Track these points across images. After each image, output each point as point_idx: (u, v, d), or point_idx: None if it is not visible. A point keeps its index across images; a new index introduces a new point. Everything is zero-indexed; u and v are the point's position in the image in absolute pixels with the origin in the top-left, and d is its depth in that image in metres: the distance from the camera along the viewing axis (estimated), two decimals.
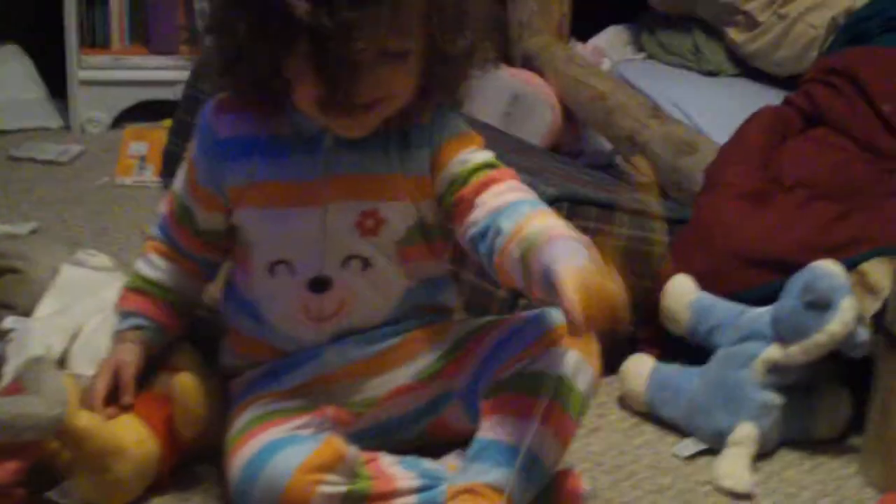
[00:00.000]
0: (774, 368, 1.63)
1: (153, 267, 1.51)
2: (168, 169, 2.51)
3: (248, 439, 1.38)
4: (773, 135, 1.98)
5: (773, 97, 2.23)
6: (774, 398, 1.64)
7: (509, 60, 2.89)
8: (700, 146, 2.15)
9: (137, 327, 1.50)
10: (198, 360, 1.54)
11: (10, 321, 1.59)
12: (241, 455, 1.36)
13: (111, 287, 1.66)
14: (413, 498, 1.38)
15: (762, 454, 1.64)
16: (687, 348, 1.76)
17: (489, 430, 1.39)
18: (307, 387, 1.45)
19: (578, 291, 1.21)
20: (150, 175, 2.61)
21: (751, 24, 2.64)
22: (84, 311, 1.60)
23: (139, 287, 1.52)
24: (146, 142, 2.72)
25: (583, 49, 2.94)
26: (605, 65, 2.85)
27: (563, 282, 1.22)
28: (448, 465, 1.45)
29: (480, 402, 1.43)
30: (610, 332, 1.27)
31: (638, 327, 1.82)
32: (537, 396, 1.37)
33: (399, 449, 1.46)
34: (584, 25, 2.97)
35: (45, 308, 1.63)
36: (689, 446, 1.66)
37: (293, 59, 1.30)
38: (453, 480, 1.39)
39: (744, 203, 1.83)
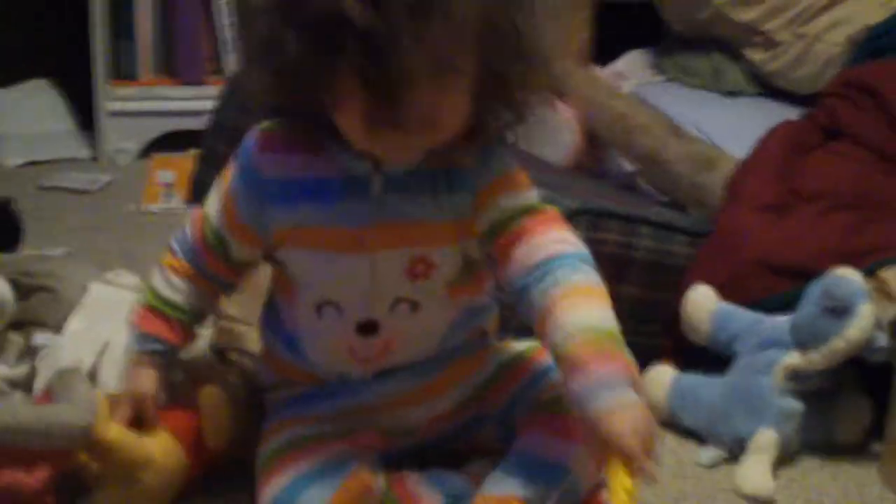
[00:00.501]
0: (795, 375, 1.65)
1: (172, 288, 1.47)
2: (196, 196, 2.54)
3: (279, 470, 1.37)
4: (793, 148, 2.00)
5: (793, 116, 2.24)
6: (795, 405, 1.65)
7: None
8: (721, 163, 2.16)
9: (154, 352, 1.48)
10: (225, 370, 1.57)
11: (40, 337, 1.62)
12: (272, 488, 1.36)
13: None
14: None
15: (783, 460, 1.66)
16: (708, 358, 1.77)
17: (527, 445, 1.39)
18: (347, 415, 1.44)
19: (631, 437, 1.20)
20: (177, 202, 2.66)
21: (770, 44, 2.66)
22: (112, 328, 1.63)
23: (156, 308, 1.48)
24: (173, 170, 2.77)
25: (603, 72, 2.97)
26: (626, 88, 2.88)
27: (610, 431, 1.21)
28: (471, 475, 1.44)
29: (518, 420, 1.43)
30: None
31: (660, 337, 1.84)
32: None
33: (424, 462, 1.46)
34: (604, 51, 3.00)
35: (74, 324, 1.66)
36: (711, 453, 1.67)
37: (342, 73, 1.20)
38: (484, 491, 1.37)
39: (764, 213, 1.85)
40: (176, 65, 3.06)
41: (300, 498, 1.33)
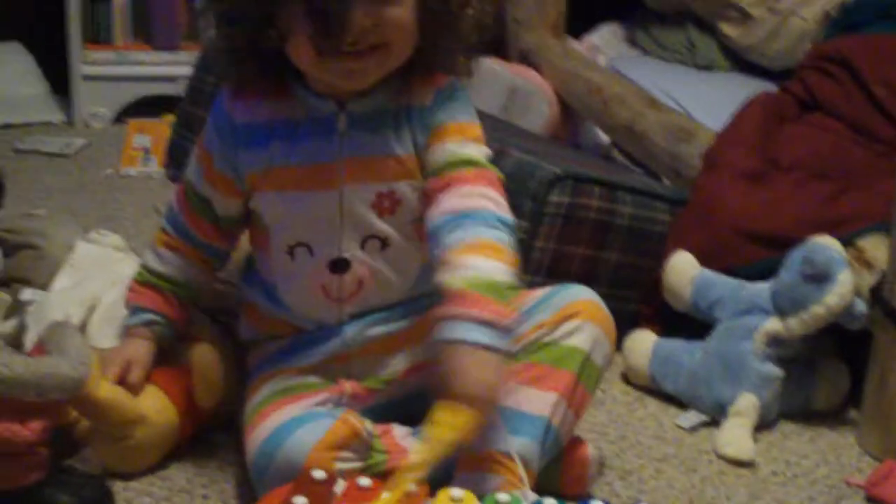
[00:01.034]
0: (774, 341, 1.67)
1: (163, 261, 1.51)
2: (173, 160, 2.55)
3: (266, 415, 1.39)
4: (770, 119, 2.02)
5: (767, 90, 2.27)
6: (775, 370, 1.68)
7: (506, 57, 2.94)
8: (697, 133, 2.18)
9: (148, 323, 1.50)
10: (216, 331, 1.57)
11: (28, 293, 1.62)
12: (259, 432, 1.37)
13: (124, 263, 1.70)
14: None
15: (763, 425, 1.69)
16: (688, 324, 1.79)
17: (507, 398, 1.38)
18: (326, 363, 1.46)
19: (472, 383, 1.23)
20: (155, 166, 2.66)
21: (744, 18, 2.69)
22: (99, 285, 1.63)
23: (149, 281, 1.51)
24: (150, 134, 2.76)
25: (578, 45, 2.98)
26: (601, 60, 2.89)
27: (455, 370, 1.23)
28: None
29: None
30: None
31: (641, 303, 1.86)
32: (560, 368, 1.40)
33: (411, 419, 1.46)
34: (579, 23, 3.01)
35: (61, 282, 1.66)
36: (692, 417, 1.70)
37: (285, 7, 1.29)
38: (469, 447, 1.36)
39: (742, 182, 1.87)
40: (151, 30, 3.05)
41: (289, 439, 1.34)
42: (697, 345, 1.75)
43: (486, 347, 1.24)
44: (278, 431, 1.36)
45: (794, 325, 1.66)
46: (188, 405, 1.50)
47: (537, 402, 1.39)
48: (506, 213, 1.37)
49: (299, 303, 1.46)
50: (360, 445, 1.37)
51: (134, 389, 1.45)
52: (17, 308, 1.64)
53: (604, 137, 2.67)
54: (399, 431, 1.43)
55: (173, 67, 2.96)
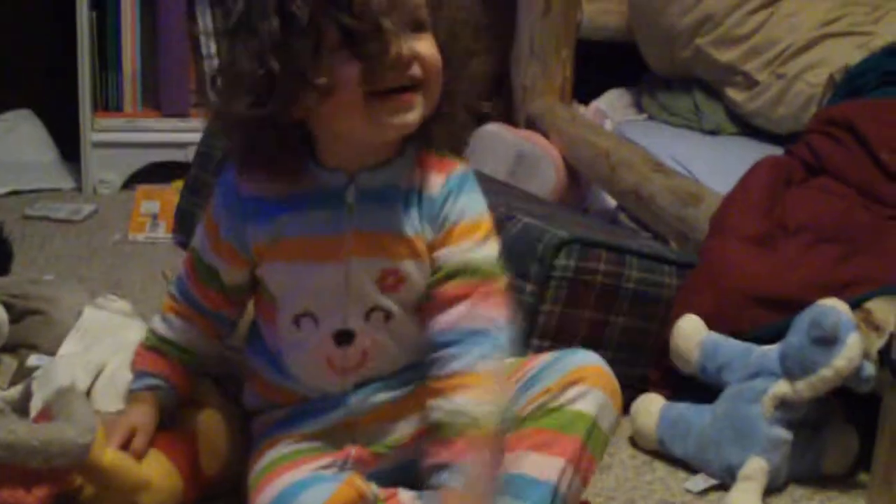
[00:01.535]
0: (783, 404, 1.67)
1: (170, 327, 1.52)
2: (180, 226, 2.56)
3: (272, 479, 1.38)
4: (776, 183, 2.03)
5: (773, 154, 2.28)
6: (784, 433, 1.67)
7: (513, 122, 2.96)
8: (704, 197, 2.19)
9: (152, 388, 1.50)
10: (222, 396, 1.57)
11: (34, 359, 1.63)
12: (264, 497, 1.37)
13: (132, 328, 1.70)
14: None
15: (772, 489, 1.67)
16: (696, 387, 1.79)
17: (516, 464, 1.39)
18: (331, 430, 1.45)
19: None
20: (162, 232, 2.67)
21: (750, 83, 2.70)
22: (106, 351, 1.64)
23: (155, 346, 1.52)
24: (158, 201, 2.78)
25: (585, 111, 3.00)
26: (607, 125, 2.91)
27: None
28: None
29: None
30: None
31: (648, 367, 1.85)
32: (567, 433, 1.40)
33: (418, 483, 1.45)
34: (585, 88, 3.04)
35: (68, 347, 1.67)
36: (700, 482, 1.69)
37: (327, 56, 1.29)
38: None
39: (749, 246, 1.87)
40: (160, 97, 3.07)
41: (296, 502, 1.34)
42: (706, 408, 1.74)
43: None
44: (283, 495, 1.35)
45: (803, 388, 1.65)
46: (192, 471, 1.49)
47: (544, 467, 1.38)
48: (502, 335, 1.38)
49: (304, 372, 1.45)
50: None
51: (138, 455, 1.45)
52: (23, 374, 1.64)
53: (611, 201, 2.68)
54: (405, 496, 1.42)
55: (183, 134, 2.98)
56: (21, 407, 1.57)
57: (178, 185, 2.70)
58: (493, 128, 2.85)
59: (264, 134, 1.34)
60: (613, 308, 1.85)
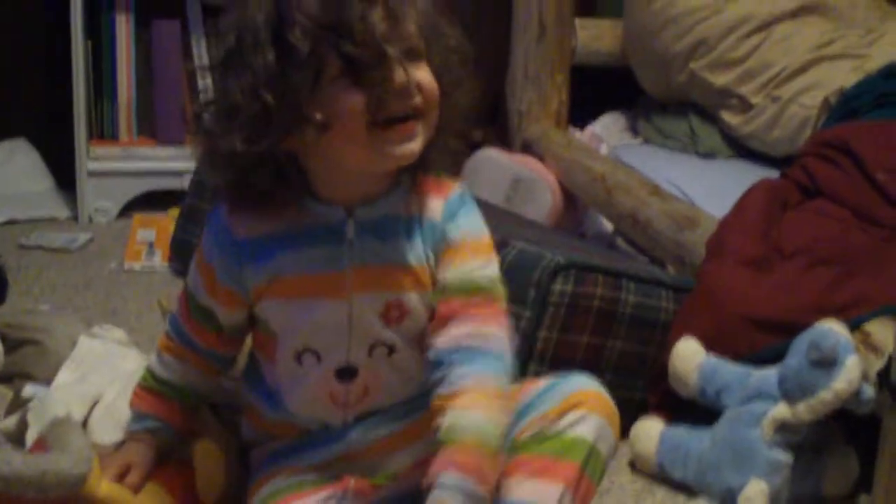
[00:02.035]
0: (783, 427, 1.66)
1: (166, 367, 1.50)
2: (176, 254, 2.55)
3: None
4: (773, 206, 2.03)
5: (769, 176, 2.27)
6: (784, 456, 1.66)
7: (509, 147, 2.96)
8: (701, 220, 2.19)
9: (150, 430, 1.49)
10: (219, 426, 1.56)
11: (30, 389, 1.62)
12: None
13: (127, 358, 1.70)
14: None
15: None
16: (695, 411, 1.78)
17: (514, 490, 1.38)
18: (330, 463, 1.44)
19: None
20: (159, 260, 2.66)
21: (745, 106, 2.71)
22: (102, 380, 1.63)
23: (152, 387, 1.50)
24: (154, 229, 2.78)
25: (581, 135, 3.01)
26: (603, 150, 2.91)
27: None
28: None
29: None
30: None
31: (647, 391, 1.85)
32: (565, 459, 1.39)
33: None
34: (581, 113, 3.04)
35: (63, 377, 1.66)
36: None
37: (327, 87, 1.27)
38: None
39: (746, 269, 1.87)
40: (156, 125, 3.07)
41: None
42: (705, 432, 1.74)
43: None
44: None
45: (802, 410, 1.65)
46: (189, 501, 1.48)
47: (542, 494, 1.37)
48: (506, 350, 1.37)
49: (304, 408, 1.44)
50: None
51: (132, 490, 1.43)
52: (18, 404, 1.63)
53: (607, 226, 2.68)
54: None
55: (178, 162, 2.97)
56: (17, 438, 1.56)
57: (175, 212, 2.70)
58: (489, 153, 2.85)
59: (258, 169, 1.32)
60: (611, 332, 1.85)
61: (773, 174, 2.30)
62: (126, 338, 1.81)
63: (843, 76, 2.52)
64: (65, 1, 2.89)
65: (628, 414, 1.78)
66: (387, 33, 1.27)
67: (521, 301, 1.77)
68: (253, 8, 1.29)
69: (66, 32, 2.91)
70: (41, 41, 3.16)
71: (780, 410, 1.66)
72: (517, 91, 3.00)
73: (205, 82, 2.98)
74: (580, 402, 1.42)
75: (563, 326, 1.80)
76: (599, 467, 1.42)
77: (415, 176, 1.40)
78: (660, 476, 1.76)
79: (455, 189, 1.42)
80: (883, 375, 1.63)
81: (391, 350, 1.40)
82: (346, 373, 1.40)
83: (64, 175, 3.07)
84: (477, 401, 1.32)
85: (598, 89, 3.04)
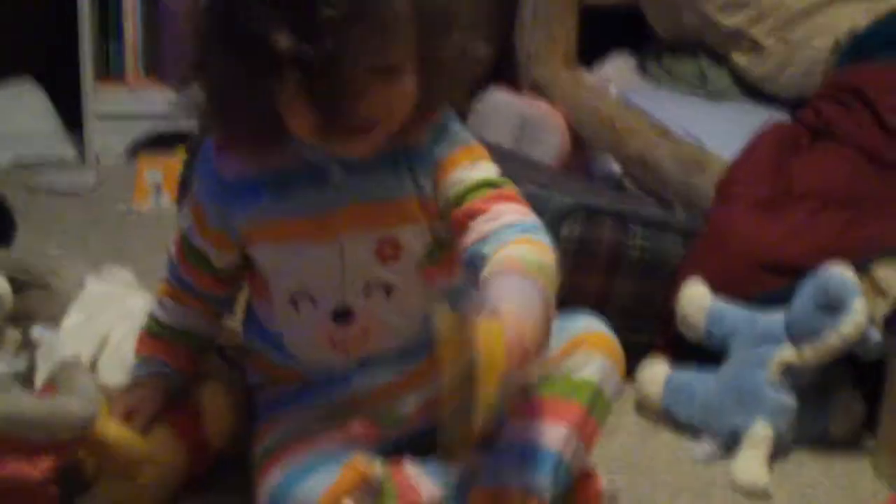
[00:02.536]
0: (789, 370, 1.66)
1: (167, 312, 1.50)
2: (184, 195, 2.54)
3: (276, 461, 1.38)
4: (783, 148, 2.02)
5: (779, 119, 2.26)
6: (789, 399, 1.66)
7: (517, 89, 2.94)
8: (710, 163, 2.18)
9: (155, 374, 1.49)
10: (226, 367, 1.57)
11: (38, 331, 1.62)
12: (269, 479, 1.37)
13: (135, 297, 1.70)
14: None
15: (777, 454, 1.67)
16: (702, 354, 1.78)
17: (517, 432, 1.38)
18: (335, 407, 1.44)
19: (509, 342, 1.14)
20: (167, 201, 2.66)
21: (756, 48, 2.68)
22: (109, 321, 1.63)
23: (155, 332, 1.51)
24: (161, 170, 2.76)
25: (589, 77, 2.98)
26: (612, 91, 2.89)
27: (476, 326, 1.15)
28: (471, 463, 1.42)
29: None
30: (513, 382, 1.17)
31: (654, 334, 1.85)
32: (570, 400, 1.38)
33: (424, 453, 1.44)
34: (590, 54, 3.02)
35: (71, 319, 1.66)
36: (706, 447, 1.69)
37: (283, 91, 1.22)
38: (480, 482, 1.37)
39: (756, 211, 1.86)
40: (163, 65, 3.06)
41: (298, 489, 1.34)
42: (711, 374, 1.74)
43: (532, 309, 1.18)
44: (287, 479, 1.35)
45: (809, 353, 1.65)
46: (197, 444, 1.49)
47: (548, 435, 1.37)
48: (535, 221, 1.34)
49: (305, 352, 1.44)
50: (369, 489, 1.35)
51: (140, 432, 1.44)
52: (27, 346, 1.63)
53: (616, 168, 2.66)
54: (411, 468, 1.41)
55: None
56: (26, 379, 1.57)
57: (182, 152, 2.68)
58: (497, 95, 2.83)
59: (240, 114, 1.30)
60: (619, 275, 1.85)
61: (784, 117, 2.29)
62: (134, 280, 1.81)
63: (854, 17, 2.50)
64: None
65: (636, 356, 1.78)
66: (353, 54, 1.20)
67: None
68: None
69: None
70: None
71: (787, 353, 1.66)
72: (526, 33, 2.97)
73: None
74: (585, 342, 1.41)
75: (572, 269, 1.80)
76: (605, 408, 1.42)
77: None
78: (665, 417, 1.77)
79: (437, 115, 1.38)
80: (889, 319, 1.63)
81: (389, 291, 1.39)
82: (343, 315, 1.39)
83: (71, 116, 3.06)
84: (519, 244, 1.28)
85: (607, 31, 3.01)
